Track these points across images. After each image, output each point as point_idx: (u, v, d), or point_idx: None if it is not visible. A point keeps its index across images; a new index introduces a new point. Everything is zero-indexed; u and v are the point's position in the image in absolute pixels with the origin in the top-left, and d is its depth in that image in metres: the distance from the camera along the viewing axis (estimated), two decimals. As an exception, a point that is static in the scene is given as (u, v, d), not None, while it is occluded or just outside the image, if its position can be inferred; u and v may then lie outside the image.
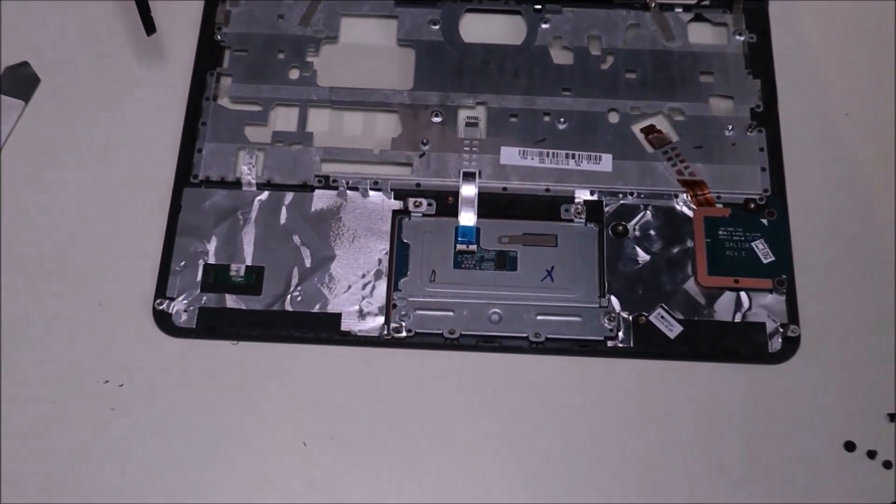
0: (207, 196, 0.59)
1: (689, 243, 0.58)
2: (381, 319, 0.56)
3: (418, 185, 0.60)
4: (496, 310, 0.56)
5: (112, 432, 0.53)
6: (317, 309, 0.56)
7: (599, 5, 0.63)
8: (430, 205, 0.59)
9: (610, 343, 0.56)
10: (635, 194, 0.59)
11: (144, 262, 0.57)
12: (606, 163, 0.60)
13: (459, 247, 0.57)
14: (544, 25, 0.63)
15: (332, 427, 0.54)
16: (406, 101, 0.61)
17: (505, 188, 0.59)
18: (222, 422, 0.54)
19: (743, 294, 0.56)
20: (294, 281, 0.57)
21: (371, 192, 0.59)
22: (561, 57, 0.62)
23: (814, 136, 0.61)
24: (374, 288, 0.57)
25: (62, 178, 0.60)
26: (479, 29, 0.63)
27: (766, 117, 0.61)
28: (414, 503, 0.52)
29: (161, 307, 0.56)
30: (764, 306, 0.56)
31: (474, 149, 0.60)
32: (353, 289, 0.57)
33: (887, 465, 0.53)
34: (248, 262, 0.57)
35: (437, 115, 0.61)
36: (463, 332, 0.56)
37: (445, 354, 0.56)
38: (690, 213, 0.59)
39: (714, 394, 0.55)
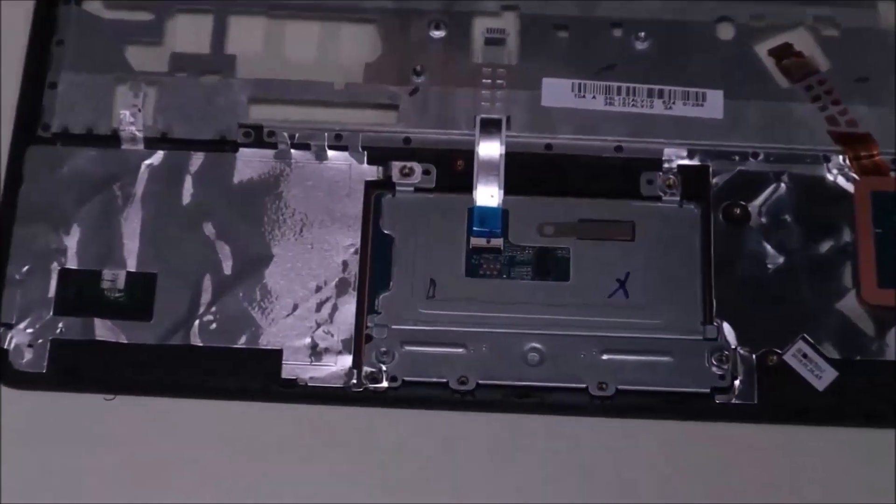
0: (65, 158, 0.59)
1: (848, 235, 0.58)
2: (347, 361, 0.56)
3: (408, 140, 0.59)
4: (535, 344, 0.56)
5: None
6: (243, 343, 0.56)
7: None
8: (426, 173, 0.59)
9: (720, 399, 0.56)
10: (761, 156, 0.59)
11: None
12: (714, 105, 0.60)
13: (475, 241, 0.57)
14: None
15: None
16: (390, 4, 0.62)
17: (549, 145, 0.59)
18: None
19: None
20: (206, 298, 0.57)
21: (331, 153, 0.59)
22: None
23: None
24: (335, 309, 0.57)
25: None
26: None
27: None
28: None
29: (-12, 340, 0.56)
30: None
31: (499, 81, 0.60)
32: (302, 310, 0.57)
33: None
34: (132, 267, 0.57)
35: (438, 27, 0.61)
36: (481, 382, 0.56)
37: (452, 418, 0.56)
38: (850, 187, 0.58)
39: (891, 481, 0.55)
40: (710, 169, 0.59)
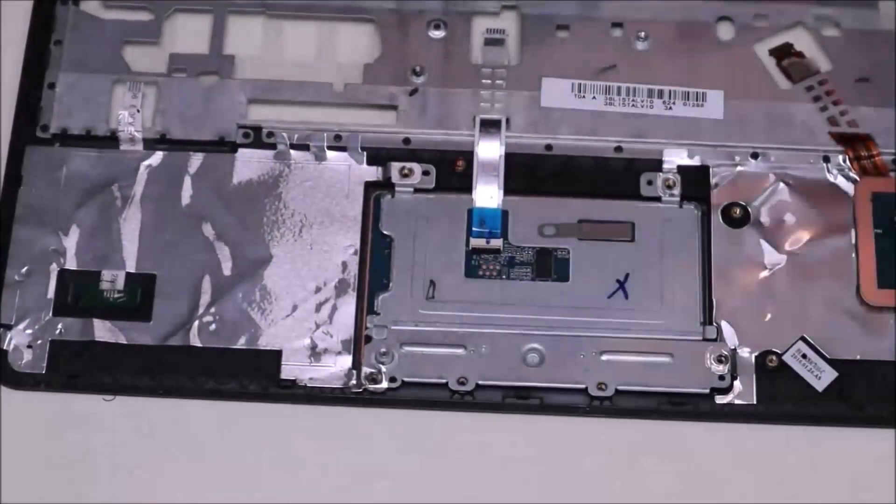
0: (64, 159, 0.59)
1: (848, 236, 0.58)
2: (347, 362, 0.56)
3: (407, 140, 0.59)
4: (535, 345, 0.56)
5: None
6: (242, 344, 0.56)
7: None
8: (426, 174, 0.59)
9: (721, 399, 0.56)
10: (761, 157, 0.58)
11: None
12: (715, 105, 0.60)
13: (475, 242, 0.57)
14: None
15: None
16: (389, 4, 0.61)
17: (549, 146, 0.59)
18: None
19: (937, 320, 0.57)
20: (205, 299, 0.57)
21: (330, 153, 0.59)
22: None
23: None
24: (335, 310, 0.57)
25: None
26: None
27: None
28: None
29: (-11, 341, 0.56)
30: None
31: (499, 82, 0.60)
32: (302, 311, 0.57)
33: None
34: (131, 268, 0.57)
35: (437, 27, 0.61)
36: (481, 382, 0.55)
37: (452, 418, 0.56)
38: (850, 187, 0.58)
39: (890, 482, 0.55)
40: (710, 169, 0.58)
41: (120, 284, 0.57)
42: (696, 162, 0.59)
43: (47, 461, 0.55)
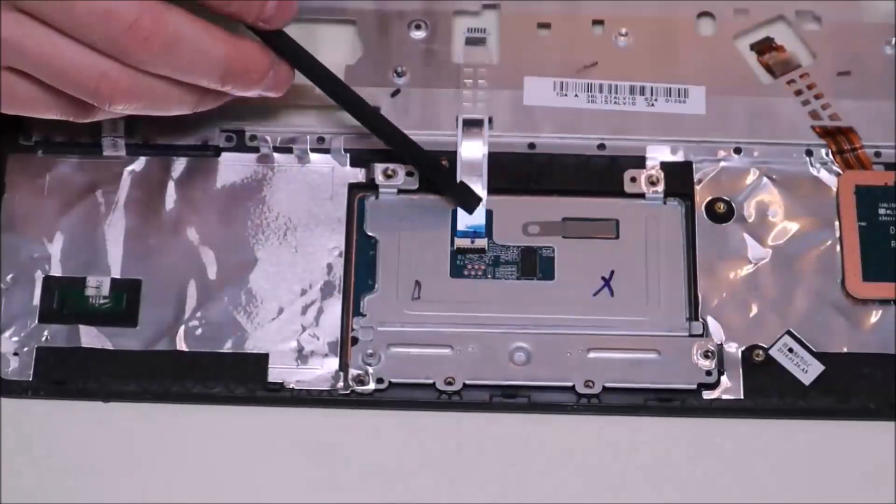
0: (47, 166, 0.59)
1: (832, 229, 0.58)
2: (334, 364, 0.56)
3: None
4: (521, 344, 0.56)
5: None
6: (229, 348, 0.56)
7: None
8: (410, 174, 0.59)
9: (707, 395, 0.56)
10: (743, 152, 0.59)
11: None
12: (697, 101, 0.60)
13: (459, 242, 0.58)
14: None
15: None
16: (369, 4, 0.62)
17: (532, 144, 0.60)
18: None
19: (921, 312, 0.58)
20: (191, 303, 0.57)
21: (313, 156, 0.59)
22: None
23: None
24: (320, 312, 0.57)
25: None
26: None
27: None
28: None
29: (-24, 348, 0.57)
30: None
31: (481, 81, 0.60)
32: (288, 314, 0.57)
33: None
34: (116, 274, 0.57)
35: (419, 27, 0.62)
36: (468, 382, 0.56)
37: (439, 419, 0.56)
38: (833, 181, 0.59)
39: (877, 474, 0.55)
40: (694, 165, 0.58)
41: (105, 290, 0.56)
42: (679, 158, 0.59)
43: (35, 468, 0.55)
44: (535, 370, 0.55)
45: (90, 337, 0.56)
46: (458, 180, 0.57)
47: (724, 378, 0.55)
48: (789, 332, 0.56)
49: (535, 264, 0.57)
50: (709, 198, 0.58)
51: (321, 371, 0.55)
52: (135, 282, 0.57)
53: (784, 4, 0.61)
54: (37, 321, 0.56)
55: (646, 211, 0.58)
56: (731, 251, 0.57)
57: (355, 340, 0.56)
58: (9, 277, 0.57)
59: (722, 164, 0.59)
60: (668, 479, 0.55)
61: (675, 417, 0.55)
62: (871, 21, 0.61)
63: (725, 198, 0.58)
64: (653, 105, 0.59)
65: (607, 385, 0.55)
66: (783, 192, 0.58)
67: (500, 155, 0.59)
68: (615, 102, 0.60)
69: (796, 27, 0.61)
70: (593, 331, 0.56)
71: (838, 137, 0.59)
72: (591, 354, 0.55)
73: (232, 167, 0.59)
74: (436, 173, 0.57)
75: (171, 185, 0.58)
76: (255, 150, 0.59)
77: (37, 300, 0.56)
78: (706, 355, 0.55)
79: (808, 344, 0.56)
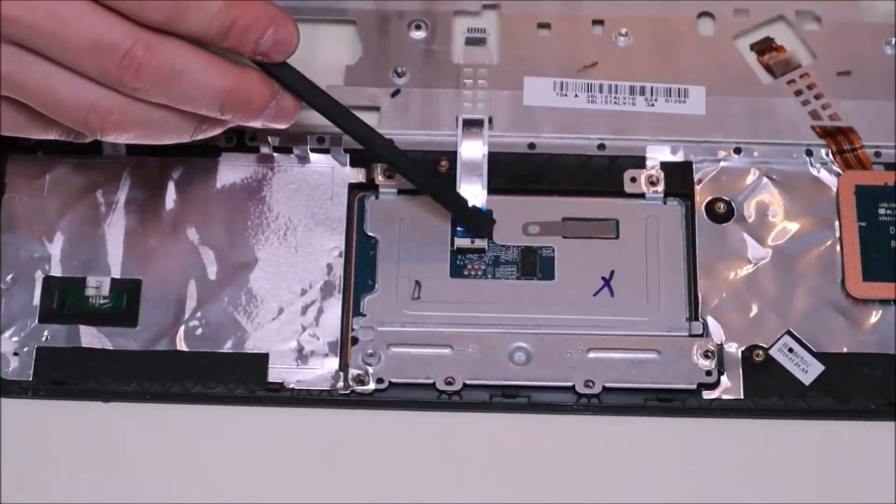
0: (47, 167, 0.59)
1: (832, 230, 0.58)
2: (333, 364, 0.56)
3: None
4: (521, 344, 0.56)
5: None
6: (228, 348, 0.56)
7: None
8: None
9: (708, 394, 0.56)
10: (743, 152, 0.59)
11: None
12: (697, 101, 0.60)
13: (459, 242, 0.58)
14: None
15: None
16: (369, 4, 0.62)
17: (532, 144, 0.60)
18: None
19: (921, 312, 0.57)
20: (191, 303, 0.57)
21: (314, 156, 0.59)
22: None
23: None
24: (320, 312, 0.57)
25: None
26: None
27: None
28: None
29: (-24, 348, 0.57)
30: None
31: (481, 81, 0.60)
32: (288, 314, 0.57)
33: None
34: (116, 274, 0.57)
35: (418, 28, 0.62)
36: (468, 382, 0.56)
37: (439, 419, 0.56)
38: (833, 181, 0.59)
39: (877, 474, 0.55)
40: (694, 165, 0.58)
41: (105, 290, 0.56)
42: (679, 158, 0.59)
43: (34, 468, 0.55)
44: (535, 370, 0.55)
45: (90, 337, 0.56)
46: (471, 205, 0.57)
47: (724, 378, 0.55)
48: (789, 332, 0.56)
49: (535, 264, 0.57)
50: (709, 198, 0.58)
51: (321, 371, 0.55)
52: (135, 282, 0.57)
53: (784, 4, 0.61)
54: (37, 321, 0.56)
55: (646, 211, 0.58)
56: (731, 251, 0.57)
57: (355, 340, 0.56)
58: (9, 277, 0.57)
59: (722, 164, 0.58)
60: (668, 479, 0.55)
61: (675, 417, 0.55)
62: (871, 21, 0.61)
63: (725, 198, 0.58)
64: (653, 105, 0.59)
65: (607, 385, 0.55)
66: (783, 192, 0.58)
67: (500, 155, 0.59)
68: (615, 102, 0.60)
69: (796, 27, 0.61)
70: (593, 331, 0.56)
71: (838, 137, 0.59)
72: (591, 354, 0.55)
73: (232, 167, 0.59)
74: (455, 205, 0.57)
75: (171, 185, 0.58)
76: (255, 150, 0.59)
77: (37, 300, 0.56)
78: (706, 355, 0.55)
79: (808, 344, 0.56)
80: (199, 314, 0.56)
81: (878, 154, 0.58)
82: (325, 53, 0.61)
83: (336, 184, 0.58)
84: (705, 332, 0.56)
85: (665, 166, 0.58)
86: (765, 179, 0.58)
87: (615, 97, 0.60)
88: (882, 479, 0.54)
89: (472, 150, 0.58)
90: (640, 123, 0.59)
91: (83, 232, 0.57)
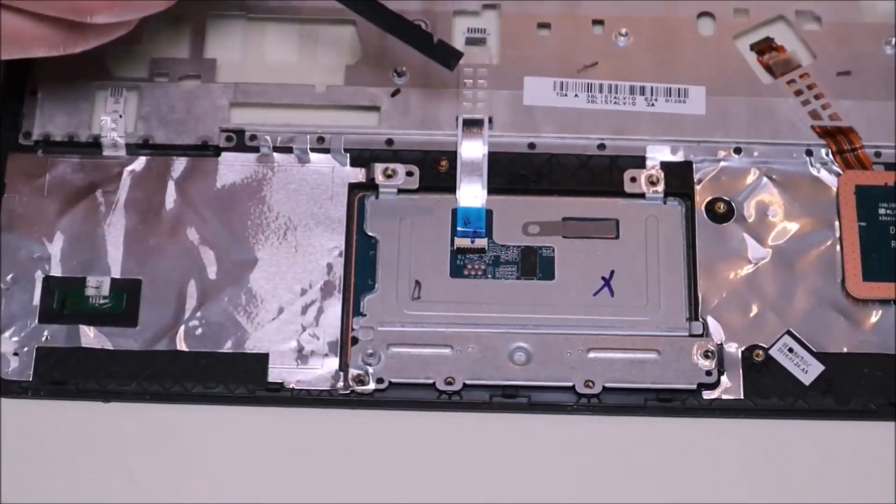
0: (47, 166, 0.59)
1: (832, 230, 0.58)
2: (334, 364, 0.56)
3: (390, 141, 0.59)
4: (521, 344, 0.56)
5: None
6: (229, 348, 0.56)
7: None
8: (409, 174, 0.59)
9: (708, 395, 0.56)
10: (743, 151, 0.59)
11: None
12: (697, 101, 0.60)
13: (460, 241, 0.58)
14: None
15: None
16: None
17: (532, 144, 0.60)
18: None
19: (921, 312, 0.57)
20: (191, 303, 0.57)
21: (314, 155, 0.59)
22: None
23: None
24: (320, 312, 0.57)
25: None
26: None
27: (953, 23, 0.61)
28: None
29: (-24, 348, 0.56)
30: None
31: (481, 81, 0.60)
32: (288, 314, 0.57)
33: None
34: (116, 274, 0.57)
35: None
36: (468, 382, 0.55)
37: (439, 419, 0.56)
38: (833, 181, 0.59)
39: (877, 474, 0.55)
40: (694, 165, 0.58)
41: (105, 290, 0.56)
42: (679, 158, 0.59)
43: (35, 468, 0.55)
44: (535, 370, 0.55)
45: (90, 337, 0.56)
46: (436, 39, 0.56)
47: (724, 378, 0.55)
48: (789, 332, 0.56)
49: (535, 264, 0.57)
50: (709, 198, 0.58)
51: (321, 371, 0.55)
52: (135, 282, 0.57)
53: (784, 4, 0.61)
54: (37, 321, 0.56)
55: (646, 211, 0.58)
56: (731, 251, 0.57)
57: (355, 340, 0.56)
58: (9, 277, 0.57)
59: (722, 164, 0.59)
60: (668, 479, 0.55)
61: (675, 417, 0.55)
62: (871, 21, 0.61)
63: (725, 198, 0.58)
64: (653, 105, 0.59)
65: (607, 385, 0.55)
66: (783, 192, 0.58)
67: (499, 155, 0.59)
68: (615, 102, 0.60)
69: (796, 27, 0.61)
70: (593, 331, 0.56)
71: (838, 137, 0.59)
72: (591, 354, 0.55)
73: (231, 167, 0.59)
74: (411, 35, 0.56)
75: (171, 185, 0.58)
76: (255, 149, 0.59)
77: (37, 300, 0.56)
78: (706, 355, 0.55)
79: (808, 344, 0.56)
80: (199, 314, 0.56)
81: (878, 154, 0.58)
82: (326, 53, 0.61)
83: (336, 183, 0.58)
84: (705, 332, 0.56)
85: (665, 166, 0.58)
86: (765, 179, 0.58)
87: (615, 97, 0.60)
88: (882, 479, 0.54)
89: (472, 149, 0.58)
90: (640, 123, 0.59)
91: (83, 232, 0.57)
